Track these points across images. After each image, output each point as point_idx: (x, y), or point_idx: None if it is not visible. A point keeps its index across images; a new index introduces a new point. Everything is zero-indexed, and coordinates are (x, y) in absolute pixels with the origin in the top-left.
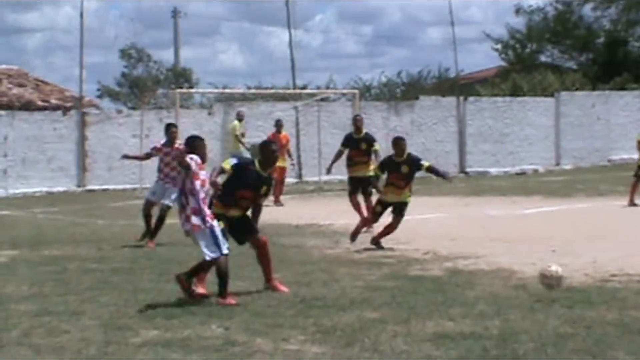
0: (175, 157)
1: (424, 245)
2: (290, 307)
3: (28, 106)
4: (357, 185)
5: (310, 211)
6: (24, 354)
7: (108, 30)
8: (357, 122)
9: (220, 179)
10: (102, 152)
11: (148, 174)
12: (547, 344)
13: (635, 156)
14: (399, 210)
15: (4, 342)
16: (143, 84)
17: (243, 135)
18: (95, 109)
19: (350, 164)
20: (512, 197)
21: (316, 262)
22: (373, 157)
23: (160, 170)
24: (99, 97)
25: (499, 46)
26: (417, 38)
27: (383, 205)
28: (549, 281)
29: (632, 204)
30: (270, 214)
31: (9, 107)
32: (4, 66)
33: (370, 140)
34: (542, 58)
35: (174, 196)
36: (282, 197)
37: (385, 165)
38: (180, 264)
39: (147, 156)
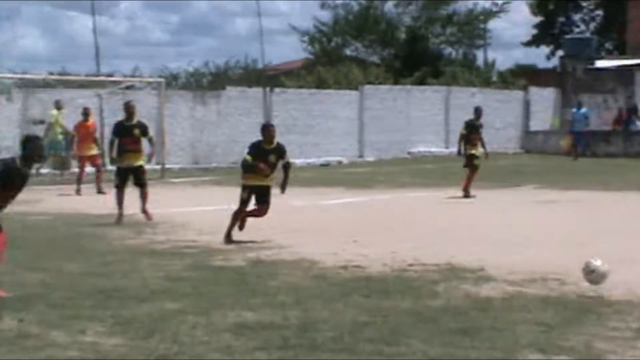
0: None
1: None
2: (89, 299)
3: None
4: (127, 176)
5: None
6: None
7: None
8: (129, 108)
9: None
10: None
11: None
12: (345, 333)
13: (433, 149)
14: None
15: None
16: None
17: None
18: None
19: (121, 152)
20: (316, 188)
21: (117, 252)
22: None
23: None
24: None
25: (305, 39)
26: (224, 28)
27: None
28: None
29: (466, 195)
30: (75, 205)
31: None
32: None
33: (142, 127)
34: (347, 52)
35: None
36: (102, 185)
37: (254, 150)
38: None
39: None
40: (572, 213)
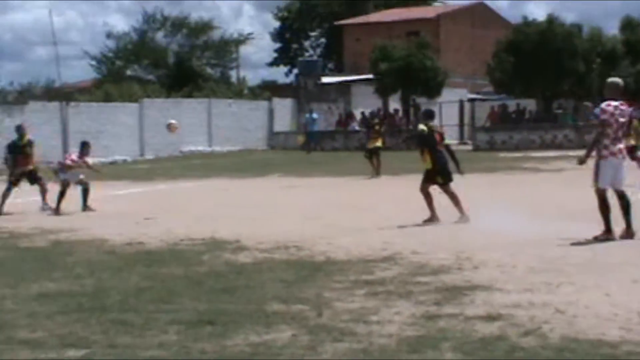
0: None
1: (32, 223)
2: None
3: None
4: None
5: None
6: None
7: None
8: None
9: None
10: None
11: None
12: (130, 296)
13: (200, 147)
14: None
15: None
16: None
17: None
18: None
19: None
20: (107, 181)
21: None
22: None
23: None
24: None
25: (94, 62)
26: (26, 54)
27: None
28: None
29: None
30: None
31: None
32: None
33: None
34: (129, 72)
35: None
36: None
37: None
38: None
39: None
40: (308, 194)
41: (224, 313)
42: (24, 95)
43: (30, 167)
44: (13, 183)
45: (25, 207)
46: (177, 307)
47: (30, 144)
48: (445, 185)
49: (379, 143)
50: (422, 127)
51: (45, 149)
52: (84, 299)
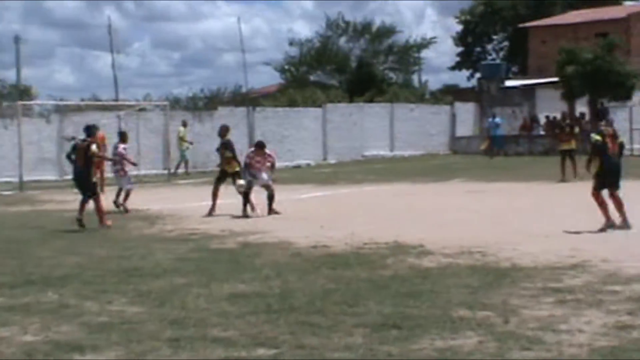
0: None
1: (222, 225)
2: (114, 276)
3: None
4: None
5: (130, 198)
6: None
7: None
8: (222, 130)
9: None
10: None
11: None
12: (316, 298)
13: (381, 152)
14: None
15: None
16: None
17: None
18: None
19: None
20: (290, 185)
21: (135, 239)
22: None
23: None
24: None
25: (278, 68)
26: (216, 61)
27: None
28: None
29: None
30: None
31: None
32: None
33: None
34: (312, 78)
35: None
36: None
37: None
38: (22, 243)
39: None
40: (492, 199)
41: (410, 317)
42: (213, 101)
43: (236, 169)
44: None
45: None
46: (363, 310)
47: (226, 146)
48: (613, 190)
49: (573, 145)
50: (595, 137)
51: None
52: (272, 300)
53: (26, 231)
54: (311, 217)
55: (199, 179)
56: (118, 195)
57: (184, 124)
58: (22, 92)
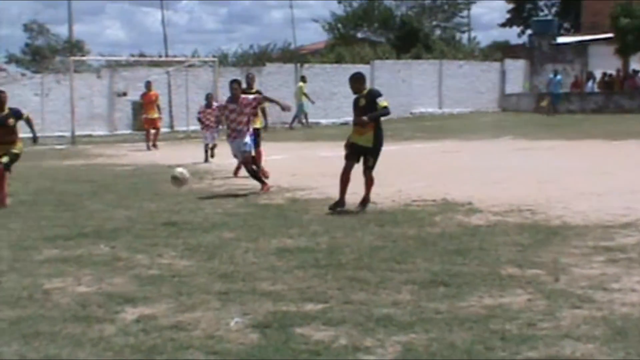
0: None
1: (271, 181)
2: (164, 230)
3: None
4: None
5: (180, 154)
6: None
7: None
8: (249, 79)
9: None
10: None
11: (49, 126)
12: (364, 255)
13: (430, 109)
14: None
15: None
16: (43, 52)
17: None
18: (3, 72)
19: None
20: (338, 141)
21: (185, 194)
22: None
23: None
24: (7, 63)
25: (326, 26)
26: (264, 17)
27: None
28: (179, 182)
29: None
30: (147, 157)
31: None
32: None
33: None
34: (359, 35)
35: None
36: (158, 143)
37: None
38: (74, 196)
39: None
40: (542, 157)
41: (458, 274)
42: (262, 58)
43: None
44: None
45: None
46: (411, 267)
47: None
48: None
49: None
50: None
51: (280, 110)
52: (320, 255)
53: (78, 185)
54: (355, 173)
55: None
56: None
57: (304, 79)
58: (74, 47)
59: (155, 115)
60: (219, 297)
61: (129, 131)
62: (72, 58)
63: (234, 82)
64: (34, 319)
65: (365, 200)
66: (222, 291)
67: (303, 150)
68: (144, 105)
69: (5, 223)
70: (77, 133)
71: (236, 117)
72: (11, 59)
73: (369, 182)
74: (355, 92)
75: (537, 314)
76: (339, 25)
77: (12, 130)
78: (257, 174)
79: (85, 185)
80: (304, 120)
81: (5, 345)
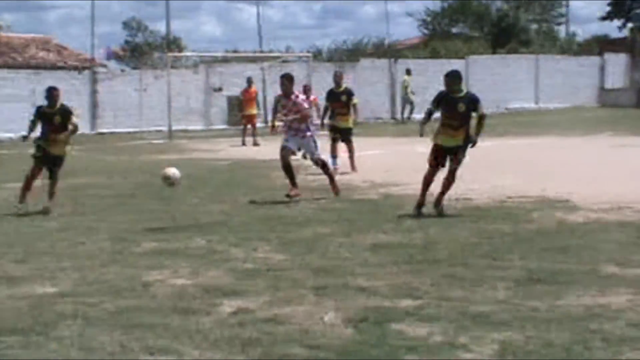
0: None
1: (364, 176)
2: (259, 224)
3: (51, 67)
4: (338, 135)
5: (276, 149)
6: (49, 260)
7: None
8: (336, 77)
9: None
10: (109, 102)
11: (147, 120)
12: (459, 251)
13: (525, 105)
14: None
15: (33, 251)
16: (142, 49)
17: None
18: (104, 68)
19: (332, 115)
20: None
21: (280, 188)
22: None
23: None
24: (107, 59)
25: (421, 21)
26: (357, 13)
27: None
28: (169, 181)
29: None
30: (244, 153)
31: (36, 67)
32: (32, 34)
33: (349, 93)
34: (454, 30)
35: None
36: (258, 138)
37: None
38: (173, 191)
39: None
40: None
41: (555, 272)
42: (356, 53)
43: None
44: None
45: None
46: (507, 264)
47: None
48: None
49: None
50: None
51: (375, 105)
52: (415, 251)
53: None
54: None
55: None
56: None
57: (408, 72)
58: (172, 44)
59: (254, 112)
60: (314, 292)
61: (224, 126)
62: (170, 54)
63: (284, 77)
64: (133, 309)
65: (440, 202)
66: (317, 286)
67: (397, 145)
68: (243, 101)
69: (106, 216)
70: (174, 128)
71: (287, 113)
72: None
73: (451, 182)
74: (449, 91)
75: (638, 314)
76: (434, 20)
77: (62, 128)
78: (293, 175)
79: (182, 179)
80: (403, 115)
81: (107, 335)
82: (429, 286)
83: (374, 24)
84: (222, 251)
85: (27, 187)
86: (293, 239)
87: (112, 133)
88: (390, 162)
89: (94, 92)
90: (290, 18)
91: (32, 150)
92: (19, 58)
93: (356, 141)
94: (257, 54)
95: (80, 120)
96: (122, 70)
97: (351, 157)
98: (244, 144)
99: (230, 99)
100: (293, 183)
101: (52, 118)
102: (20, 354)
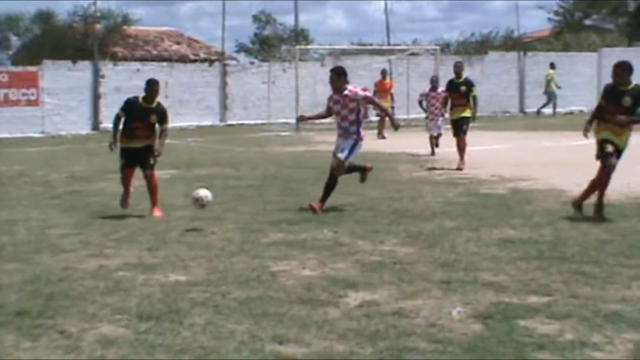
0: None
1: (492, 170)
2: (385, 217)
3: (183, 59)
4: (456, 127)
5: (401, 142)
6: (181, 249)
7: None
8: (457, 68)
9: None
10: (239, 95)
11: (275, 112)
12: (590, 248)
13: None
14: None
15: (166, 240)
16: (270, 42)
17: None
18: (233, 61)
19: (451, 107)
20: (562, 132)
21: (405, 182)
22: (471, 100)
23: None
24: (237, 52)
25: (551, 14)
26: (485, 5)
27: None
28: (201, 202)
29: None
30: (371, 145)
31: (169, 60)
32: (165, 28)
33: (469, 84)
34: (587, 22)
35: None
36: (384, 131)
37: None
38: (298, 181)
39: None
40: None
41: None
42: (484, 46)
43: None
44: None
45: (480, 155)
46: None
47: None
48: None
49: None
50: None
51: (503, 98)
52: (544, 247)
53: (302, 170)
54: (580, 164)
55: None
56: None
57: (552, 66)
58: (299, 36)
59: (387, 104)
60: (440, 286)
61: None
62: (298, 47)
63: (332, 71)
64: (262, 299)
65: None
66: (443, 280)
67: (525, 140)
68: (377, 93)
69: (235, 206)
70: None
71: (340, 109)
72: (241, 49)
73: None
74: (615, 83)
75: None
76: (566, 12)
77: (153, 126)
78: (328, 191)
79: (309, 171)
80: (554, 109)
81: (236, 324)
82: (559, 283)
83: (502, 17)
84: (348, 243)
85: (126, 193)
86: (419, 233)
87: (240, 125)
88: (519, 156)
89: (223, 84)
90: (417, 11)
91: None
92: (153, 51)
93: (482, 135)
94: (384, 47)
95: (208, 112)
96: (251, 63)
97: (460, 151)
98: (379, 137)
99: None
100: (323, 199)
101: (148, 115)
102: (155, 339)
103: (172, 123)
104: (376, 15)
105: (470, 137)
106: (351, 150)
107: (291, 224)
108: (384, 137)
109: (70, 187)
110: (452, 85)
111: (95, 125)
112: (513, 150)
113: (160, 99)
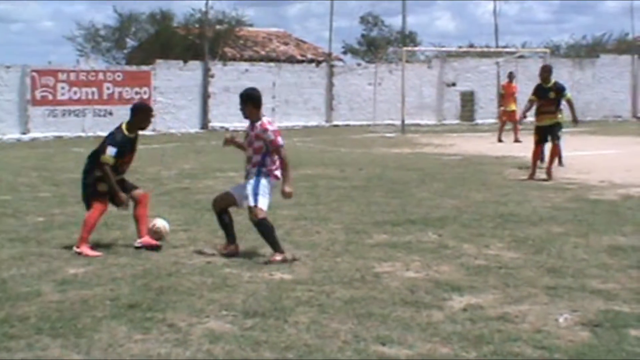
0: None
1: (602, 175)
2: (491, 221)
3: (290, 60)
4: (544, 134)
5: (507, 146)
6: (286, 248)
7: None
8: (544, 72)
9: None
10: (345, 96)
11: (380, 113)
12: None
13: None
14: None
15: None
16: (377, 43)
17: None
18: (340, 62)
19: (537, 113)
20: None
21: (512, 186)
22: (564, 105)
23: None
24: (344, 53)
25: None
26: (597, 7)
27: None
28: (157, 235)
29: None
30: (477, 148)
31: (277, 60)
32: (273, 29)
33: (560, 89)
34: None
35: None
36: (519, 135)
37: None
38: (403, 183)
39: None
40: None
41: None
42: (596, 49)
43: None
44: None
45: (590, 159)
46: None
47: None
48: None
49: None
50: None
51: (614, 102)
52: None
53: (407, 172)
54: None
55: (575, 128)
56: None
57: None
58: (407, 38)
59: (514, 108)
60: (546, 292)
61: (456, 121)
62: (405, 48)
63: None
64: (365, 299)
65: None
66: (550, 286)
67: (637, 145)
68: (504, 97)
69: (340, 207)
70: (406, 122)
71: (247, 145)
72: (347, 50)
73: None
74: None
75: None
76: None
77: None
78: (270, 238)
79: (413, 173)
80: None
81: (340, 323)
82: None
83: (616, 18)
84: (453, 246)
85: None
86: (525, 237)
87: (346, 125)
88: (631, 162)
89: (330, 85)
90: (527, 12)
91: None
92: (261, 51)
93: (592, 139)
94: (492, 49)
95: (314, 112)
96: (358, 64)
97: (551, 159)
98: (500, 140)
99: (463, 94)
100: (273, 247)
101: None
102: (260, 336)
103: (279, 123)
104: (484, 17)
105: (579, 141)
106: (256, 191)
107: (395, 225)
108: (519, 141)
109: (180, 184)
110: (540, 91)
111: (204, 124)
112: (624, 156)
113: (267, 99)
